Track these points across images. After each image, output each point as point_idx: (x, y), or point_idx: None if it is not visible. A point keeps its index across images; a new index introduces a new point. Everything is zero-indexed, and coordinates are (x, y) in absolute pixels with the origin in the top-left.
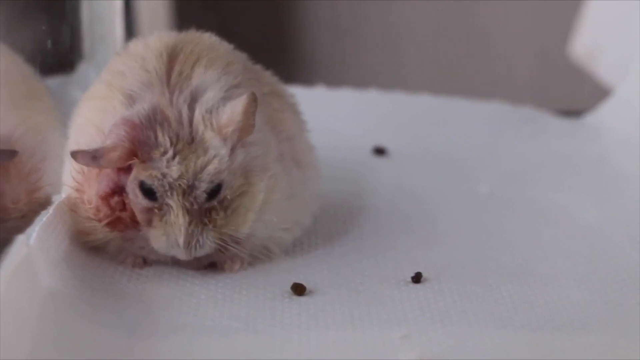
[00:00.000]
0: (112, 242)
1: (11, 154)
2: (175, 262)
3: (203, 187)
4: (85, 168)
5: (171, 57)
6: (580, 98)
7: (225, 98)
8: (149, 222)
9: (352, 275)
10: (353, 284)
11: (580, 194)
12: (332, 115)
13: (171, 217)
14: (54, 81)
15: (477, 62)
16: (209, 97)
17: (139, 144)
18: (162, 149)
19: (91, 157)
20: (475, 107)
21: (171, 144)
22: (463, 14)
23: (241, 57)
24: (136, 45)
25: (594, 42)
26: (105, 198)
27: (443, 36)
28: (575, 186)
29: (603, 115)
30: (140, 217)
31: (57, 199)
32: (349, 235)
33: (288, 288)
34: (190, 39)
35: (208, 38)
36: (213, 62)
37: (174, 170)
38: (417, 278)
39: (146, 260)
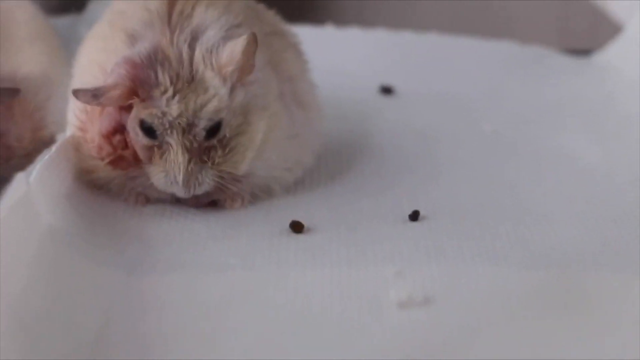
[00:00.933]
0: (115, 180)
1: (14, 92)
2: (176, 200)
3: (202, 125)
4: (88, 107)
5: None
6: (594, 37)
7: (226, 37)
8: (150, 159)
9: (351, 213)
10: (351, 222)
11: (584, 134)
12: (340, 55)
13: (171, 155)
14: (65, 20)
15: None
16: (209, 36)
17: (139, 83)
18: (162, 88)
19: (92, 95)
20: (484, 47)
21: (171, 82)
22: None
23: None
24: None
25: None
26: (107, 136)
27: None
28: (579, 127)
29: (611, 54)
30: (141, 154)
31: (61, 138)
32: (351, 174)
33: (287, 226)
34: None
35: None
36: (214, 1)
37: (174, 109)
38: (414, 216)
39: (148, 198)
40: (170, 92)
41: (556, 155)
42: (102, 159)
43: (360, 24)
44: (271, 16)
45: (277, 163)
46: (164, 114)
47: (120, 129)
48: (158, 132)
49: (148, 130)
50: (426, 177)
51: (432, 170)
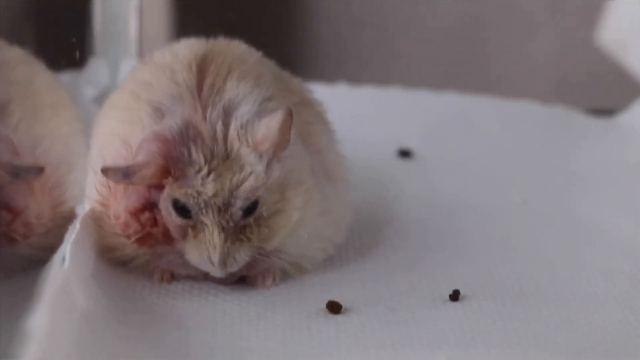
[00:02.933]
0: (140, 257)
1: (37, 170)
2: (204, 277)
3: (239, 204)
4: (111, 182)
5: (201, 68)
6: (609, 94)
7: (259, 112)
8: (184, 237)
9: (387, 292)
10: (389, 302)
11: (616, 204)
12: (354, 114)
13: (206, 234)
14: (64, 77)
15: (498, 56)
16: (243, 111)
17: (172, 161)
18: (196, 167)
19: (123, 174)
20: (503, 106)
21: (205, 161)
22: (482, 9)
23: (270, 65)
24: (163, 55)
25: (624, 28)
26: (135, 214)
27: (462, 32)
28: (611, 196)
29: (637, 114)
30: (174, 232)
31: (80, 213)
32: (380, 248)
33: (323, 305)
34: (220, 48)
35: (237, 47)
36: (245, 74)
37: (209, 188)
38: (455, 296)
39: (174, 275)
40: (205, 170)
41: (591, 228)
42: (129, 237)
43: (373, 81)
44: (298, 84)
45: (309, 241)
46: (199, 193)
47: (148, 205)
48: (193, 212)
49: (182, 209)
50: (458, 252)
51: (464, 244)
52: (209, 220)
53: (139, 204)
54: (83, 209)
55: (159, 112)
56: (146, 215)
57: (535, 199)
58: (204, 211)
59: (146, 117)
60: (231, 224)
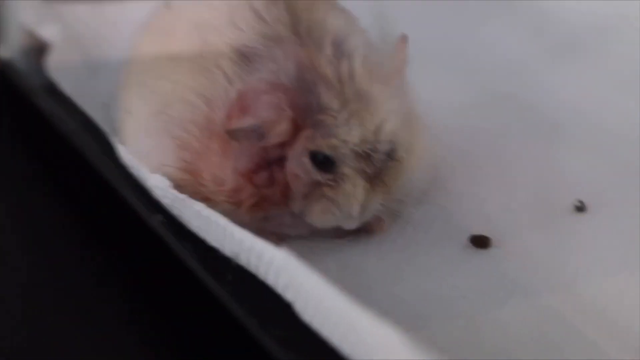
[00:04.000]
0: (250, 224)
1: None
2: (313, 234)
3: (384, 147)
4: (196, 144)
5: (288, 4)
6: None
7: (368, 43)
8: (309, 194)
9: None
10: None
11: None
12: None
13: (346, 186)
14: None
15: None
16: (357, 45)
17: (303, 111)
18: (333, 113)
19: (258, 135)
20: None
21: (342, 105)
22: None
23: None
24: None
25: None
26: (248, 175)
27: None
28: None
29: None
30: (301, 190)
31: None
32: None
33: (465, 241)
34: None
35: None
36: (327, 4)
37: (355, 135)
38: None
39: (281, 237)
40: (344, 115)
41: None
42: (239, 204)
43: None
44: None
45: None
46: (344, 142)
47: (263, 164)
48: (338, 163)
49: (323, 162)
50: None
51: None
52: (351, 170)
53: (252, 163)
54: (158, 180)
55: (244, 58)
56: (262, 175)
57: None
58: (348, 161)
59: (228, 64)
60: (372, 170)
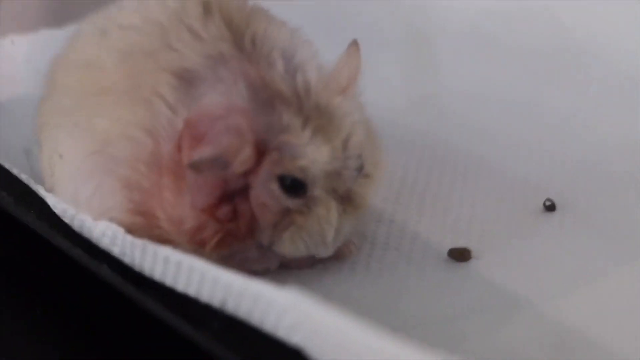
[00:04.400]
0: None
1: None
2: (281, 266)
3: (354, 164)
4: (143, 181)
5: (225, 18)
6: None
7: (315, 53)
8: (279, 225)
9: None
10: None
11: None
12: None
13: (320, 210)
14: None
15: None
16: (307, 57)
17: (262, 133)
18: (296, 132)
19: (220, 165)
20: None
21: (304, 122)
22: None
23: None
24: (131, 13)
25: None
26: (210, 211)
27: None
28: None
29: None
30: (268, 221)
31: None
32: None
33: (444, 256)
34: None
35: None
36: (263, 15)
37: (324, 152)
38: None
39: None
40: (308, 132)
41: None
42: (202, 244)
43: None
44: None
45: None
46: (313, 161)
47: (225, 197)
48: (308, 186)
49: (293, 187)
50: None
51: None
52: (322, 192)
53: (213, 197)
54: (105, 227)
55: (186, 83)
56: (224, 209)
57: None
58: (318, 182)
59: (169, 91)
60: (342, 190)
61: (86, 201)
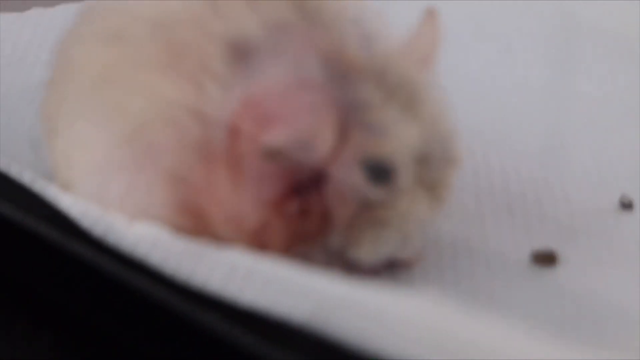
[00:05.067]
0: None
1: None
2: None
3: (443, 147)
4: (191, 173)
5: None
6: None
7: (386, 24)
8: (356, 223)
9: None
10: None
11: None
12: None
13: (406, 202)
14: None
15: None
16: (377, 25)
17: (342, 112)
18: (379, 108)
19: (304, 151)
20: None
21: (386, 97)
22: None
23: None
24: None
25: None
26: (277, 206)
27: None
28: None
29: None
30: (346, 218)
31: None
32: None
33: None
34: None
35: None
36: None
37: (413, 132)
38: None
39: None
40: (394, 110)
41: None
42: (265, 245)
43: None
44: None
45: None
46: (402, 143)
47: (294, 189)
48: (395, 173)
49: (379, 172)
50: None
51: None
52: (409, 180)
53: (282, 189)
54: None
55: (240, 55)
56: (294, 204)
57: None
58: (406, 168)
59: (219, 66)
60: (431, 180)
61: (117, 199)
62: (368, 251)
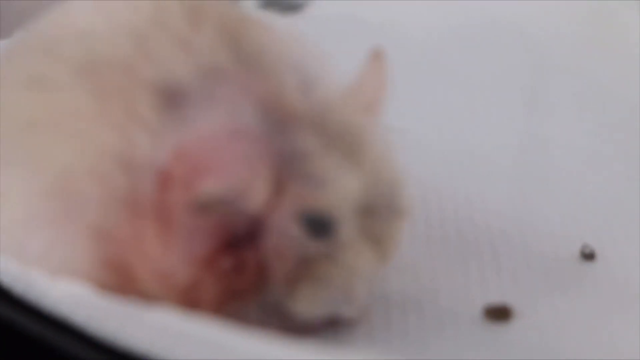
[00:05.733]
0: None
1: None
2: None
3: (388, 196)
4: (118, 227)
5: (217, 24)
6: None
7: (329, 67)
8: (296, 278)
9: None
10: None
11: None
12: None
13: (348, 256)
14: None
15: None
16: (317, 69)
17: (278, 162)
18: (318, 159)
19: (237, 202)
20: None
21: (326, 145)
22: None
23: None
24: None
25: None
26: (209, 262)
27: None
28: None
29: None
30: (282, 272)
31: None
32: None
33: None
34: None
35: None
36: (257, 23)
37: (353, 183)
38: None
39: None
40: (334, 160)
41: None
42: (196, 304)
43: None
44: None
45: None
46: (342, 194)
47: (227, 244)
48: (336, 226)
49: (319, 226)
50: None
51: None
52: (351, 232)
53: (214, 245)
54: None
55: (171, 101)
56: (227, 260)
57: None
58: (348, 220)
59: (149, 113)
60: (374, 231)
61: (40, 255)
62: (306, 307)
